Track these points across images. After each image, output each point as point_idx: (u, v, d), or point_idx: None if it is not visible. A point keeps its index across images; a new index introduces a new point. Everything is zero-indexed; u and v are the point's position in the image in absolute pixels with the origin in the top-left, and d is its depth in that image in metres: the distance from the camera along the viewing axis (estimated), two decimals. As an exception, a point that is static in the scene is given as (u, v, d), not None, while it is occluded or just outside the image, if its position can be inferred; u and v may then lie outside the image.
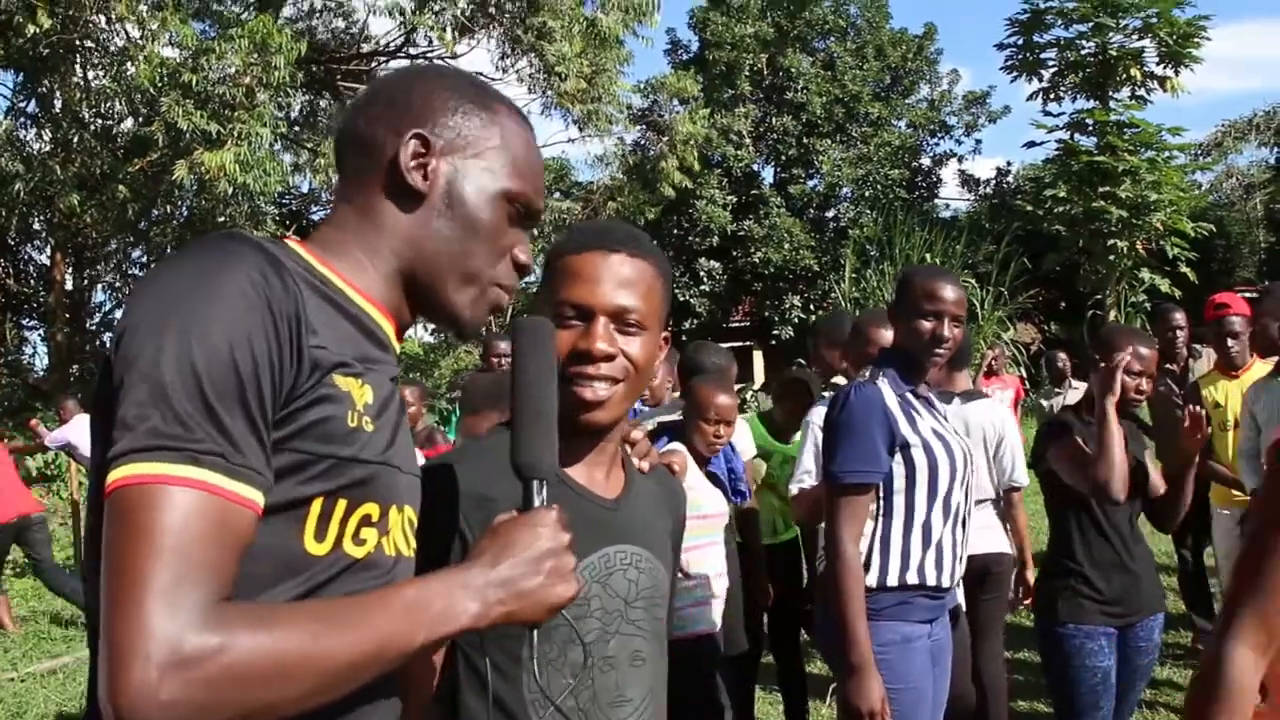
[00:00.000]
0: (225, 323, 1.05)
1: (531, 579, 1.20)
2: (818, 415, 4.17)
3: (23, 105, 13.97)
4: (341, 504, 1.16)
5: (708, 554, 3.96)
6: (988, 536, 4.30)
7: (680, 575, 3.72)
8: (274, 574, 1.11)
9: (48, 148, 13.12)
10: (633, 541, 1.66)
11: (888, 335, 3.83)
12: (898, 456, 2.90)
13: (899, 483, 2.90)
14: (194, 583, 0.98)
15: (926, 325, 2.93)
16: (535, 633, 1.27)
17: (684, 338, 28.63)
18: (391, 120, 1.30)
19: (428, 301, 1.33)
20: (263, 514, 1.08)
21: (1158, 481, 3.57)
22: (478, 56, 25.47)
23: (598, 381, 1.55)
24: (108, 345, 1.11)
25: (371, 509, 1.19)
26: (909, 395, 2.99)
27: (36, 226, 18.75)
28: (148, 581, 0.97)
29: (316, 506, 1.14)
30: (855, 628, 2.79)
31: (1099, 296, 22.99)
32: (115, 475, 1.01)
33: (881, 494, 2.91)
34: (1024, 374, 17.50)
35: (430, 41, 17.81)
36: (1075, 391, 8.86)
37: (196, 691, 0.96)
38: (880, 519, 2.92)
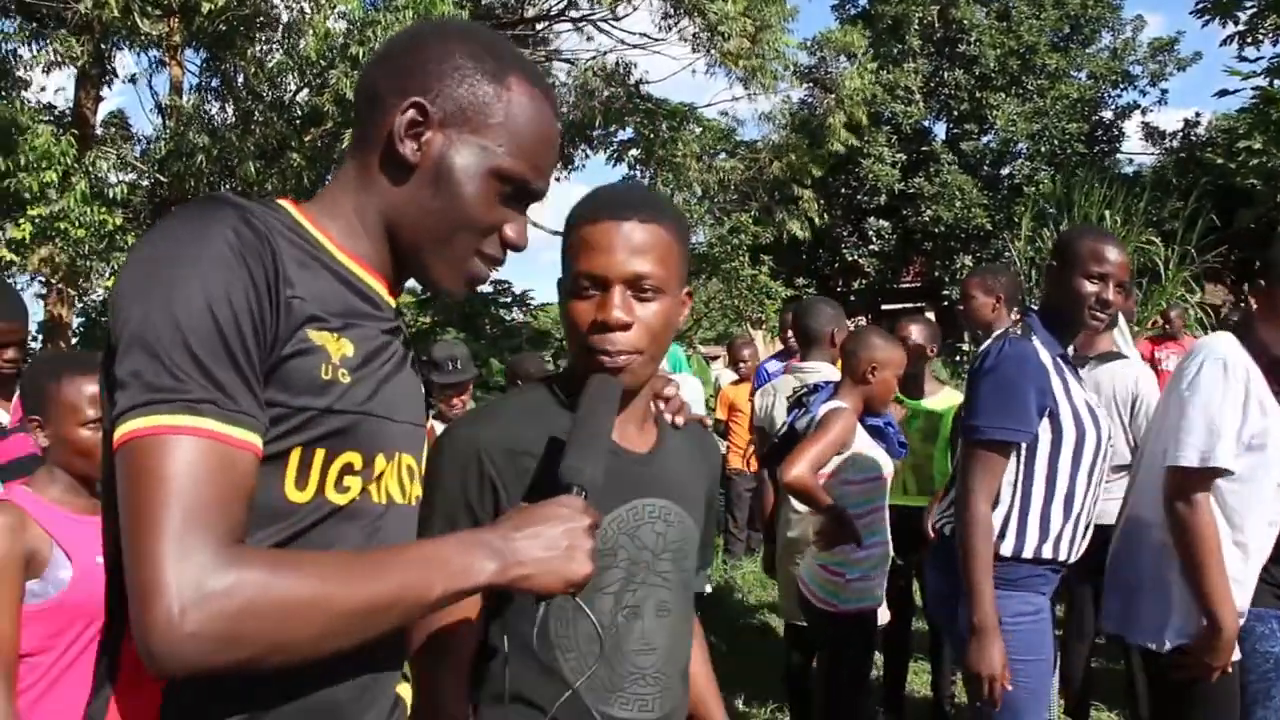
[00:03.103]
0: (202, 280, 1.10)
1: (550, 549, 1.25)
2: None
3: (209, 81, 14.65)
4: (320, 453, 1.20)
5: (878, 519, 3.89)
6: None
7: (854, 546, 3.70)
8: (256, 520, 1.15)
9: (231, 120, 13.70)
10: (663, 495, 1.71)
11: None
12: (1045, 422, 2.78)
13: (1044, 448, 2.78)
14: (203, 523, 1.04)
15: (1091, 288, 2.83)
16: (545, 605, 1.37)
17: (852, 298, 28.19)
18: (395, 81, 1.30)
19: (409, 265, 1.35)
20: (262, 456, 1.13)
21: None
22: (639, 17, 25.39)
23: (617, 352, 1.60)
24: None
25: (353, 458, 1.23)
26: (1060, 359, 2.86)
27: (222, 194, 19.68)
28: (160, 526, 1.03)
29: (295, 456, 1.18)
30: (981, 588, 2.70)
31: (1297, 255, 21.58)
32: (119, 432, 1.07)
33: (1023, 458, 2.79)
34: (1210, 337, 16.54)
35: (592, 4, 17.84)
36: None
37: (218, 624, 1.02)
38: (1020, 484, 2.79)
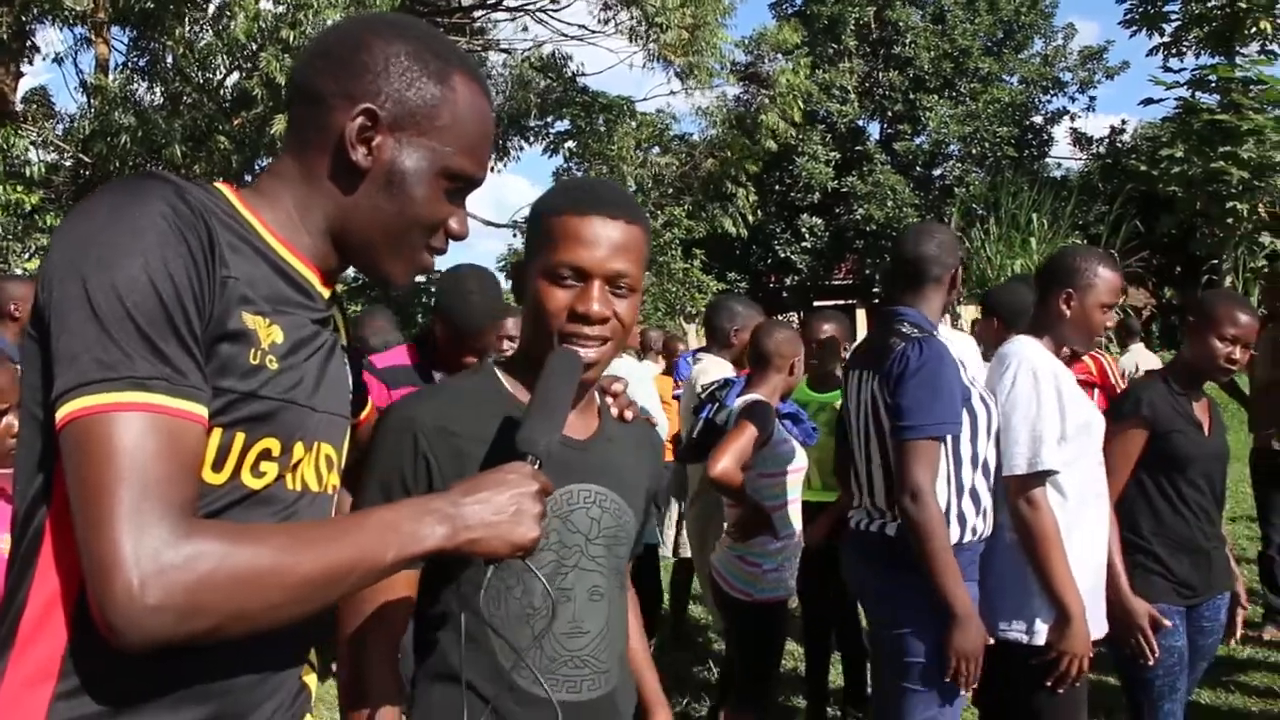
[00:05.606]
0: (141, 254, 1.09)
1: (498, 514, 1.28)
2: None
3: (136, 60, 14.35)
4: (240, 437, 1.20)
5: (791, 511, 3.96)
6: None
7: (771, 537, 3.76)
8: None
9: (158, 101, 13.43)
10: (599, 482, 1.75)
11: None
12: (963, 408, 2.95)
13: (965, 434, 2.96)
14: (158, 497, 1.04)
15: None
16: (491, 568, 1.39)
17: (784, 294, 28.40)
18: (342, 81, 1.30)
19: (358, 262, 1.38)
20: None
21: None
22: (578, 8, 25.36)
23: (592, 342, 1.65)
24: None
25: (271, 444, 1.24)
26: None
27: (148, 176, 19.31)
28: (115, 502, 1.03)
29: (215, 437, 1.17)
30: (956, 575, 2.84)
31: (1215, 261, 22.15)
32: (65, 410, 1.06)
33: (951, 448, 2.95)
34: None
35: (530, -7, 17.75)
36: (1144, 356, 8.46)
37: (178, 596, 1.02)
38: (953, 473, 2.95)
